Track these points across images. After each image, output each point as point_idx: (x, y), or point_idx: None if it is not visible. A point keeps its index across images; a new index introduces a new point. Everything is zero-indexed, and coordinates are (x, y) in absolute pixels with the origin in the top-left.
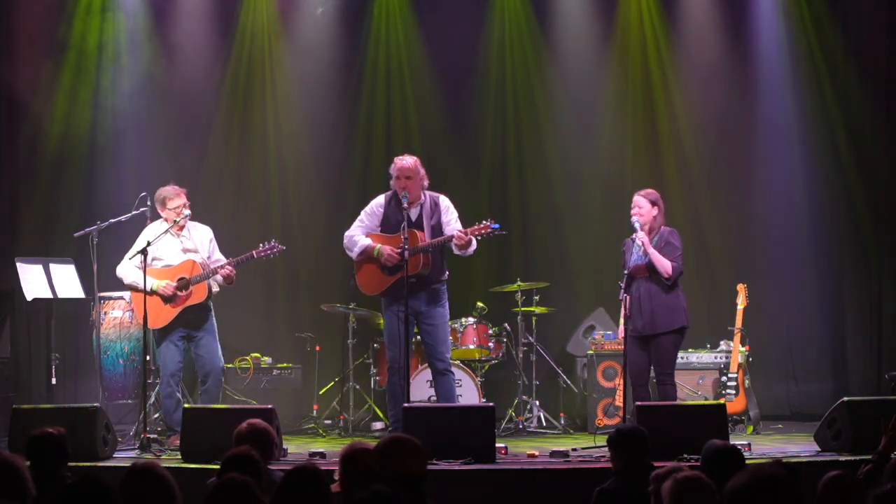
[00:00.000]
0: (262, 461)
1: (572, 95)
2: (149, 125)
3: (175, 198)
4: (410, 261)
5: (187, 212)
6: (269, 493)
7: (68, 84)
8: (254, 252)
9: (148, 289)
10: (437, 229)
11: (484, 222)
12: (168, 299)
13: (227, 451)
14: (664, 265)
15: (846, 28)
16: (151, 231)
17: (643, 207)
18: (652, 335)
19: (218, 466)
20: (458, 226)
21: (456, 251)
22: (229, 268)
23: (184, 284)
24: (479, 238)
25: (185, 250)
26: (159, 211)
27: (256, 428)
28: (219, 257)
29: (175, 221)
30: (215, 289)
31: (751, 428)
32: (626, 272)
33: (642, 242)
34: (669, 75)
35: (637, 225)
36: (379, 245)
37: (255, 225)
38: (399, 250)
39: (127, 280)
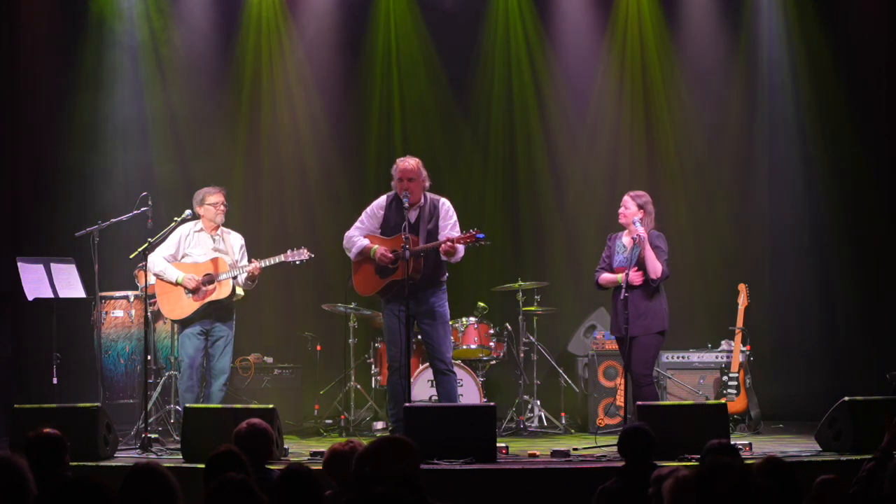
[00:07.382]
0: (247, 458)
1: (575, 96)
2: (151, 125)
3: (216, 194)
4: (401, 265)
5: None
6: (266, 492)
7: (70, 85)
8: (282, 255)
9: (174, 279)
10: (434, 234)
11: (470, 231)
12: (191, 291)
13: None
14: (656, 266)
15: (847, 27)
16: (185, 228)
17: (629, 209)
18: (632, 337)
19: None
20: (455, 231)
21: (443, 257)
22: (255, 264)
23: (209, 280)
24: (467, 246)
25: (216, 250)
26: (197, 209)
27: (256, 428)
28: (245, 264)
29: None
30: (240, 292)
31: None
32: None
33: (641, 238)
34: (671, 75)
35: (638, 223)
36: (375, 246)
37: (257, 224)
38: (392, 252)
39: (153, 270)
